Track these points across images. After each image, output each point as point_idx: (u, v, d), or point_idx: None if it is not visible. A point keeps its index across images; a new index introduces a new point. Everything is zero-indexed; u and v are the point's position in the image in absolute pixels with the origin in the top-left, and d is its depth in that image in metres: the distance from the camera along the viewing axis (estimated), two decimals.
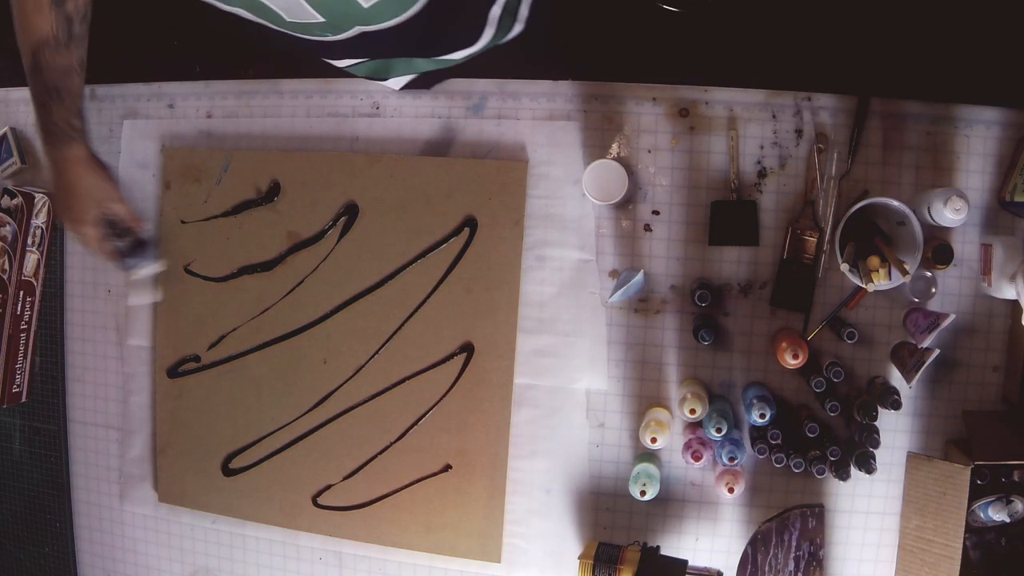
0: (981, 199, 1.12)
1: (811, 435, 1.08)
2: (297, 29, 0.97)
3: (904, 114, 1.13)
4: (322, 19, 0.93)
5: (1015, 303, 1.07)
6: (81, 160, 1.05)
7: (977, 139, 1.12)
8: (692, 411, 1.09)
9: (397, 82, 1.24)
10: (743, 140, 1.16)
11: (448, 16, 1.02)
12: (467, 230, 1.24)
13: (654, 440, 1.11)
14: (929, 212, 1.05)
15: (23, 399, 1.42)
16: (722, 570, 1.12)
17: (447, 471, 1.26)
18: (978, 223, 1.12)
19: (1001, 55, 1.36)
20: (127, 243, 1.04)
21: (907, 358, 1.08)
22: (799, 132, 1.15)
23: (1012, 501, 1.04)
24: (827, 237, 1.13)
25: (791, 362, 1.05)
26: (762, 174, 1.16)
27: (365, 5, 0.92)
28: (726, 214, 1.16)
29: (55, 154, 1.05)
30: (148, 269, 1.04)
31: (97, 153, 1.06)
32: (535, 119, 1.22)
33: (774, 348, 1.12)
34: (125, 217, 1.07)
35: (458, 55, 1.13)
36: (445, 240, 1.25)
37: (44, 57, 1.01)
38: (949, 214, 1.00)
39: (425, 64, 1.15)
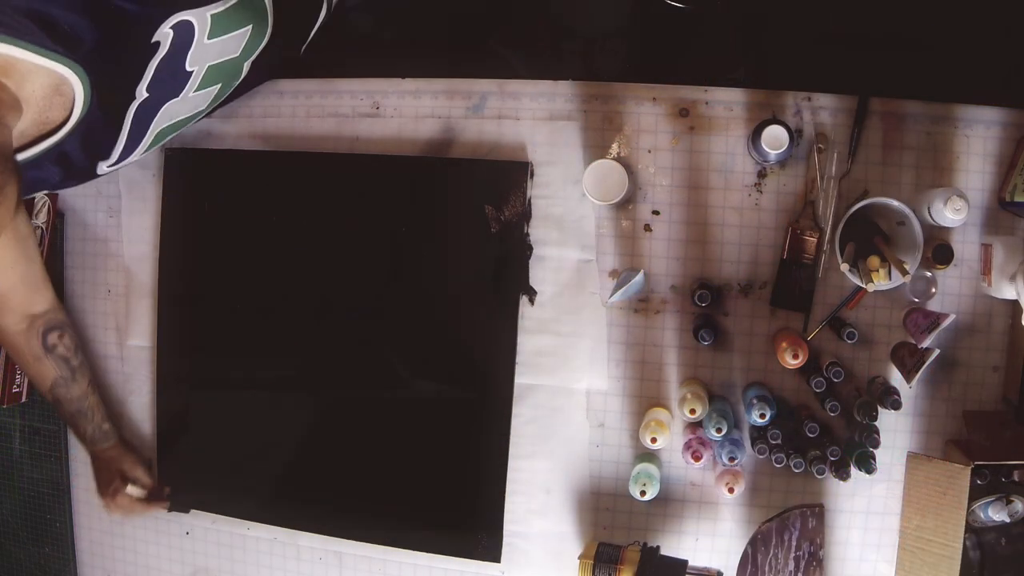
0: (981, 199, 1.12)
1: (811, 435, 1.08)
2: (215, 102, 1.11)
3: (904, 114, 1.13)
4: (221, 84, 1.07)
5: (1015, 303, 1.07)
6: (110, 450, 1.30)
7: (977, 139, 1.12)
8: (692, 411, 1.09)
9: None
10: (739, 140, 1.16)
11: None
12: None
13: (654, 440, 1.11)
14: (929, 212, 1.05)
15: (23, 399, 1.42)
16: (722, 570, 1.12)
17: (447, 471, 1.26)
18: (978, 223, 1.12)
19: (1001, 55, 1.36)
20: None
21: (907, 358, 1.08)
22: (799, 132, 1.15)
23: (1012, 501, 1.04)
24: (827, 237, 1.13)
25: (791, 362, 1.05)
26: (762, 174, 1.16)
27: (246, 68, 1.10)
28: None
29: (90, 450, 1.30)
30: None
31: (127, 441, 1.34)
32: (535, 119, 1.22)
33: (774, 348, 1.12)
34: (145, 486, 1.32)
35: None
36: (445, 240, 1.24)
37: (59, 394, 1.21)
38: (949, 214, 1.00)
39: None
